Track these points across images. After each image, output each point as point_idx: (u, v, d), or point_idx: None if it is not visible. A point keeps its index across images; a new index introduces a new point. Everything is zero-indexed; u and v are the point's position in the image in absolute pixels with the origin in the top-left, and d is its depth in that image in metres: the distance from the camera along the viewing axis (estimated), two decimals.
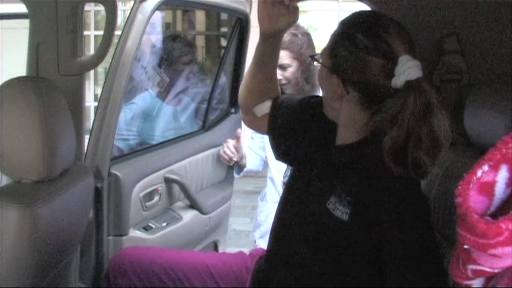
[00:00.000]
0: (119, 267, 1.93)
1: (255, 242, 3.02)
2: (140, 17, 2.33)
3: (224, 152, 2.93)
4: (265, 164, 3.04)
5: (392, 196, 1.40)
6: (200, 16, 8.79)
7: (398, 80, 1.38)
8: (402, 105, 1.35)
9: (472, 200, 0.76)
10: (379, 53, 1.42)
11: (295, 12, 1.58)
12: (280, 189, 2.85)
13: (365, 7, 2.05)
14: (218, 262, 1.91)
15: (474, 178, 0.78)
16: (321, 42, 2.87)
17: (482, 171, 0.78)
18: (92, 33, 9.27)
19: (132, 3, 2.34)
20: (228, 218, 3.30)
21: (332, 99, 1.55)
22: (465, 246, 0.78)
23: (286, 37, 2.81)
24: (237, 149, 2.93)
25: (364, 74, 1.44)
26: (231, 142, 2.94)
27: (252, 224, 3.45)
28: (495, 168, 0.78)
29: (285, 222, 1.68)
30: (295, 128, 1.76)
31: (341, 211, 1.47)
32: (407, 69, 1.37)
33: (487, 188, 0.78)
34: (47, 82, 1.70)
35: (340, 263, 1.50)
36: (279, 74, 2.74)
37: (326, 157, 1.62)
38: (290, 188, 1.74)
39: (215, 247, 3.20)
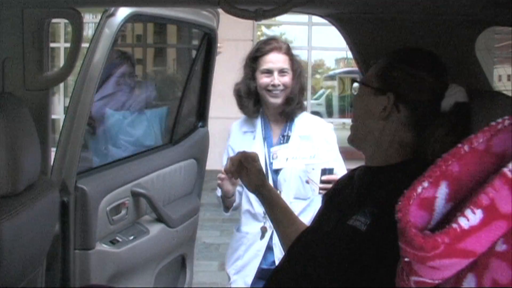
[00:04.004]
0: None
1: (229, 279, 2.87)
2: (107, 31, 2.36)
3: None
4: (240, 196, 2.86)
5: None
6: (171, 28, 8.78)
7: (449, 102, 1.44)
8: (451, 127, 1.39)
9: (412, 215, 0.80)
10: (434, 74, 1.50)
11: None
12: (261, 219, 2.77)
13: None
14: None
15: (415, 194, 0.82)
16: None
17: (422, 187, 0.82)
18: (62, 45, 9.23)
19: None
20: (196, 231, 3.30)
21: (376, 120, 1.54)
22: (406, 259, 0.82)
23: (284, 44, 2.82)
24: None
25: (419, 92, 1.49)
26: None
27: (222, 236, 3.42)
28: (435, 184, 0.82)
29: (295, 251, 1.65)
30: None
31: (360, 221, 1.44)
32: (458, 92, 1.44)
33: (427, 204, 0.82)
34: (12, 97, 1.71)
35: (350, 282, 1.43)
36: (278, 78, 2.73)
37: (352, 181, 1.61)
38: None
39: (183, 261, 3.20)
